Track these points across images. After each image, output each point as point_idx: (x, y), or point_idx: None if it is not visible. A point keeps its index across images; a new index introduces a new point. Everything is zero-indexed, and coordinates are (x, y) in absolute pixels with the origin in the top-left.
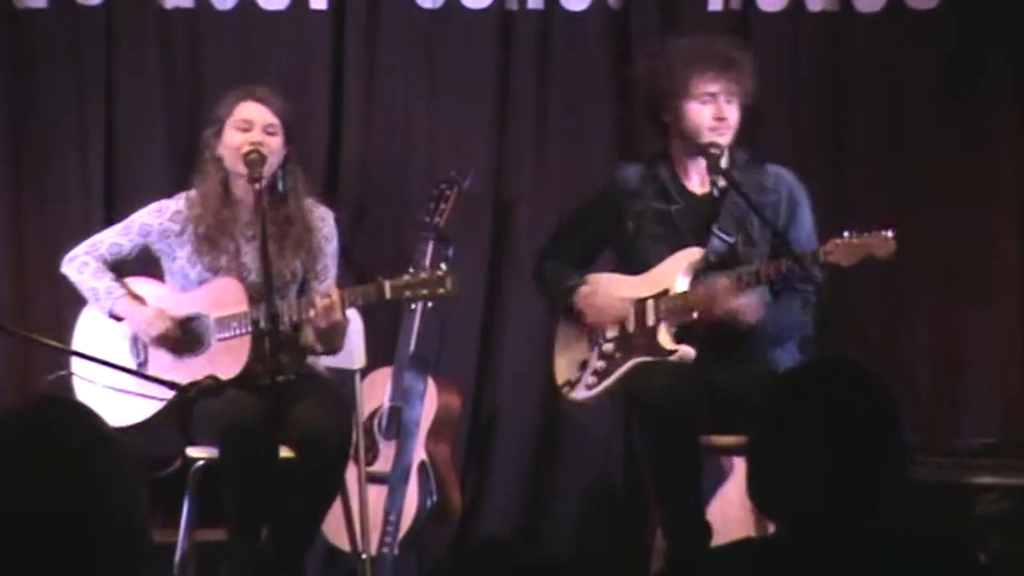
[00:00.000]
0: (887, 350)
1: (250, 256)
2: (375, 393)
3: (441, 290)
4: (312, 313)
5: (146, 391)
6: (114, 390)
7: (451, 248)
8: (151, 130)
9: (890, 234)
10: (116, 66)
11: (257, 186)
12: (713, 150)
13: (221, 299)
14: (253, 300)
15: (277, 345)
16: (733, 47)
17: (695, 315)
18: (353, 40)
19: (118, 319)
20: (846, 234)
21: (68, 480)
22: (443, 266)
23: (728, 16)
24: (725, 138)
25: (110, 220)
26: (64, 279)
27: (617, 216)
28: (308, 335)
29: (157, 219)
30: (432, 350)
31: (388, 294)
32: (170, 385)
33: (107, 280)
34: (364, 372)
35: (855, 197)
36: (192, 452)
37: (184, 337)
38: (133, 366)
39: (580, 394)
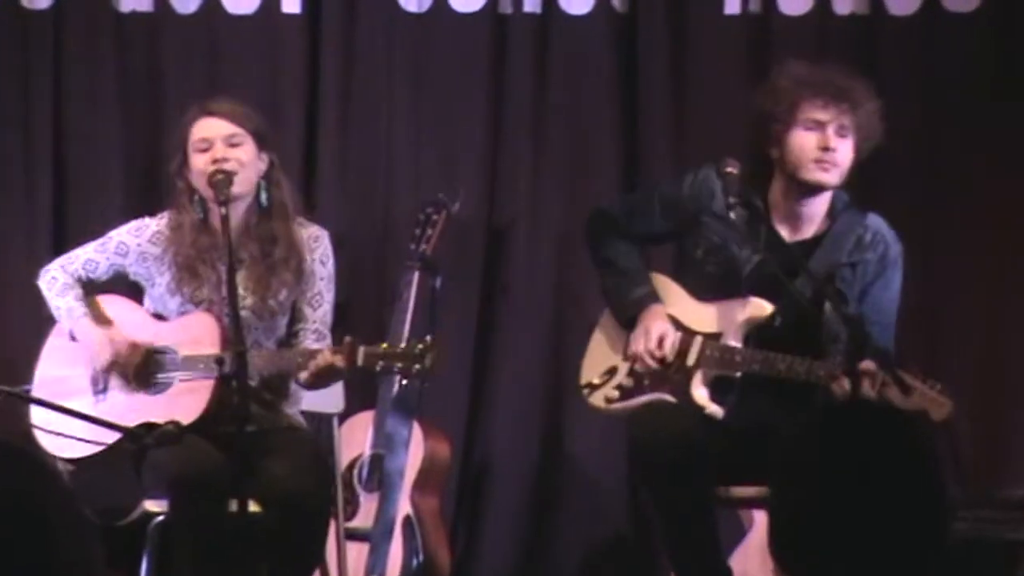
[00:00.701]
0: None
1: (222, 288)
2: (355, 440)
3: (417, 366)
4: (303, 375)
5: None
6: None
7: (439, 279)
8: (105, 151)
9: (948, 402)
10: (66, 78)
11: (223, 210)
12: (730, 169)
13: (194, 336)
14: (229, 341)
15: (245, 388)
16: (850, 76)
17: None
18: (329, 47)
19: (76, 339)
20: (912, 373)
21: (20, 536)
22: (428, 339)
23: (747, 20)
24: (830, 176)
25: (60, 247)
26: (36, 292)
27: (691, 232)
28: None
29: (136, 239)
30: (417, 392)
31: (360, 361)
32: (123, 431)
33: (70, 298)
34: (342, 417)
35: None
36: (151, 506)
37: (147, 369)
38: (91, 396)
39: (597, 403)
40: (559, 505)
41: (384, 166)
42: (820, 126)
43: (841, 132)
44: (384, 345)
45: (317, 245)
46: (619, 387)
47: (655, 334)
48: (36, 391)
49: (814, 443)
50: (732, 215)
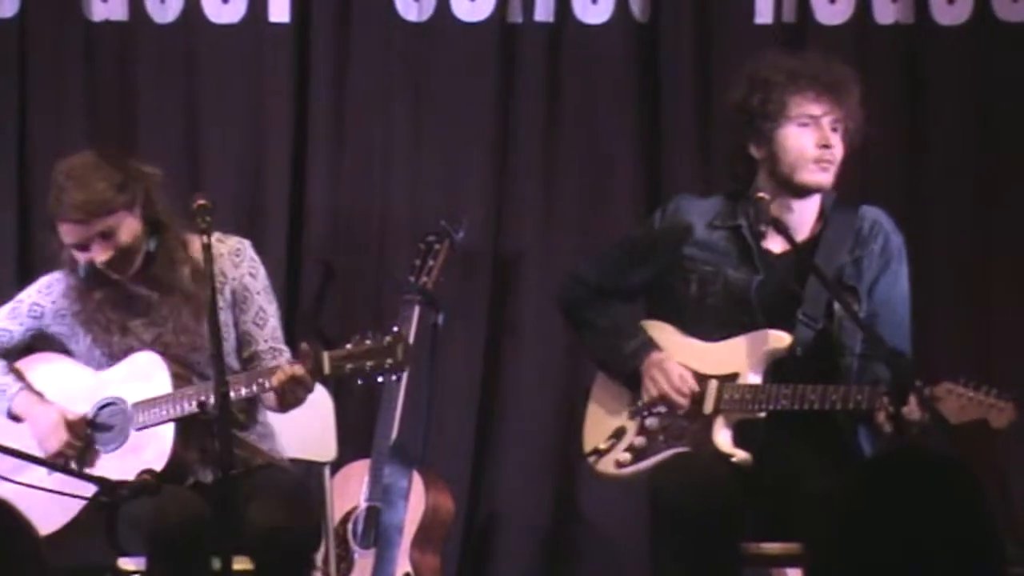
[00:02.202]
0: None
1: (147, 330)
2: (349, 491)
3: (389, 360)
4: (268, 398)
5: (66, 490)
6: (29, 487)
7: (441, 314)
8: None
9: (1010, 405)
10: (31, 90)
11: (206, 239)
12: (762, 194)
13: (141, 378)
14: (180, 377)
15: (228, 431)
16: (835, 64)
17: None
18: (320, 59)
19: (18, 420)
20: (962, 383)
21: None
22: (395, 328)
23: (780, 30)
24: (828, 176)
25: (25, 277)
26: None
27: (676, 268)
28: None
29: (48, 298)
30: (417, 439)
31: (327, 368)
32: (98, 482)
33: None
34: (335, 466)
35: (936, 238)
36: (125, 564)
37: (95, 433)
38: (44, 470)
39: (607, 469)
40: (572, 565)
41: (380, 190)
42: (815, 120)
43: (834, 126)
44: (348, 347)
45: (240, 259)
46: (630, 448)
47: (674, 372)
48: None
49: (855, 503)
50: (761, 241)
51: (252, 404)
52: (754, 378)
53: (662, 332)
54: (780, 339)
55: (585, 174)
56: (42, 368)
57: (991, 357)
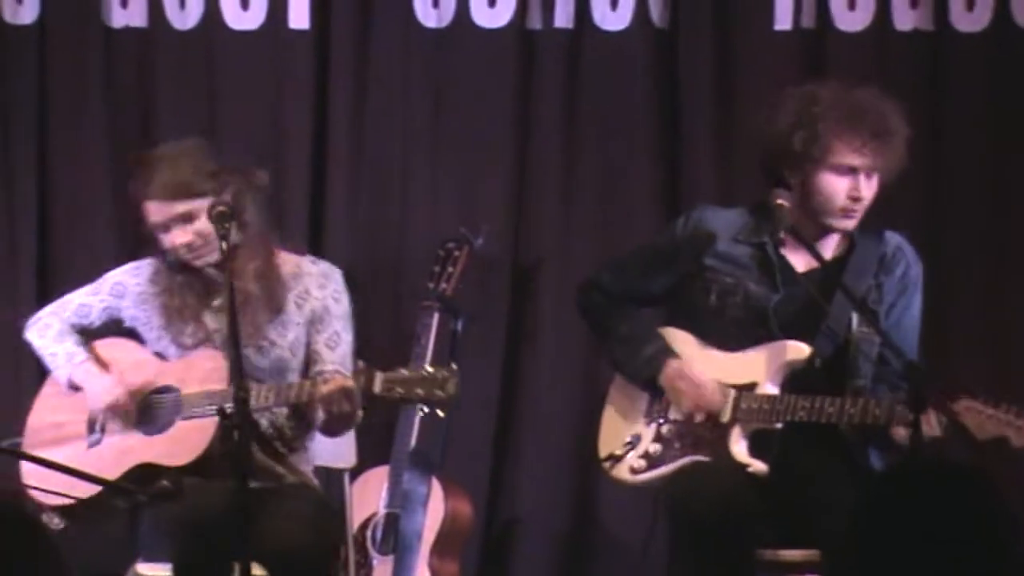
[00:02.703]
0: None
1: (216, 319)
2: (368, 498)
3: (439, 393)
4: (318, 414)
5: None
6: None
7: (460, 321)
8: (93, 177)
9: None
10: (51, 98)
11: (225, 245)
12: (781, 201)
13: (199, 374)
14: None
15: (247, 438)
16: (890, 110)
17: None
18: (340, 66)
19: (77, 388)
20: (982, 400)
21: None
22: (453, 366)
23: (799, 36)
24: (853, 223)
25: (44, 290)
26: (15, 332)
27: (697, 276)
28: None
29: (134, 278)
30: (437, 446)
31: (378, 387)
32: (120, 489)
33: (70, 343)
34: (355, 472)
35: (955, 251)
36: (143, 570)
37: (146, 411)
38: (86, 441)
39: (622, 475)
40: (590, 570)
41: (400, 197)
42: (852, 172)
43: (870, 174)
44: (402, 371)
45: (327, 282)
46: (645, 455)
47: (707, 384)
48: (28, 439)
49: (875, 508)
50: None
51: (302, 425)
52: (772, 388)
53: (680, 340)
54: (799, 350)
55: (604, 181)
56: (110, 352)
57: (1010, 374)
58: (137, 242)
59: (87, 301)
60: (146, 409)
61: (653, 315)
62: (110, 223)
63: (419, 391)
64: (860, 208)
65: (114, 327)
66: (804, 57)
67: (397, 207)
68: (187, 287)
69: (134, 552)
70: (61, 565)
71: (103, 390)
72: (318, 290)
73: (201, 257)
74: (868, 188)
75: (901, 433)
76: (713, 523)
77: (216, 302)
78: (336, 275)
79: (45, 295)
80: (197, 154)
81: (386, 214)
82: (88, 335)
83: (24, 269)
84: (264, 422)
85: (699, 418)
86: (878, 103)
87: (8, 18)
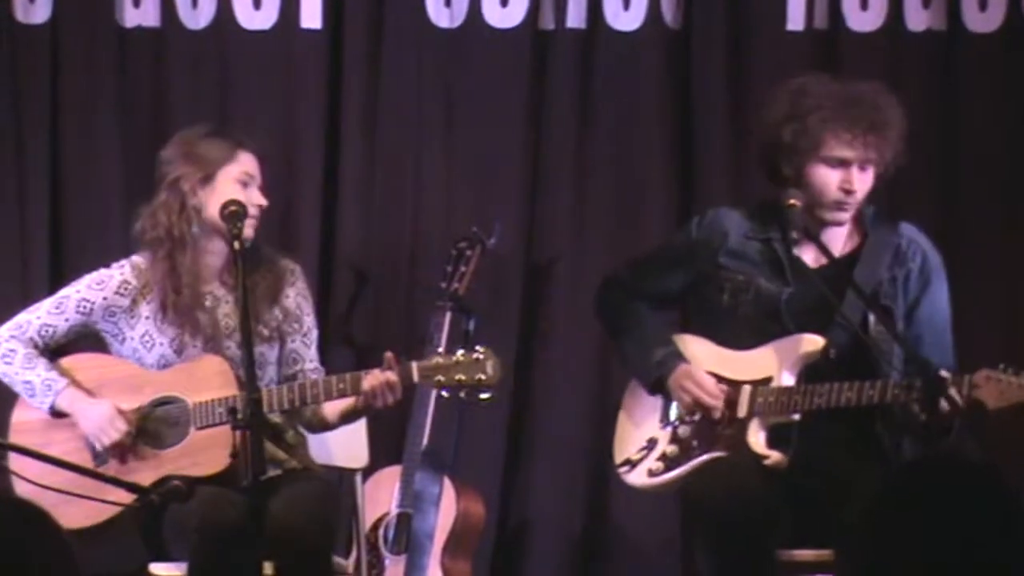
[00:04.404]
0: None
1: (232, 325)
2: (380, 498)
3: (480, 375)
4: (359, 393)
5: (102, 493)
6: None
7: (472, 320)
8: (104, 178)
9: None
10: (63, 98)
11: (236, 244)
12: (793, 201)
13: (203, 380)
14: (242, 382)
15: (259, 437)
16: (884, 102)
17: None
18: (352, 66)
19: (61, 415)
20: (1002, 368)
21: None
22: (480, 348)
23: (812, 37)
24: (846, 215)
25: (56, 285)
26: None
27: (711, 275)
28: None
29: (100, 294)
30: (449, 446)
31: (416, 377)
32: (130, 487)
33: (41, 369)
34: (367, 472)
35: (968, 244)
36: (157, 569)
37: (150, 424)
38: (92, 462)
39: (639, 479)
40: (603, 571)
41: (412, 196)
42: (844, 164)
43: (864, 166)
44: (437, 358)
45: (295, 279)
46: (663, 457)
47: (706, 380)
48: (13, 462)
49: (887, 505)
50: (794, 249)
51: (291, 410)
52: (788, 381)
53: (696, 344)
54: (814, 342)
55: (617, 181)
56: (86, 372)
57: None
58: None
59: (50, 322)
60: (150, 423)
61: (668, 320)
62: (122, 222)
63: (460, 376)
64: (853, 201)
65: (82, 343)
66: (816, 57)
67: (409, 207)
68: (190, 284)
69: (147, 552)
70: (72, 563)
71: (101, 426)
72: (288, 287)
73: (253, 228)
74: (861, 181)
75: (917, 409)
76: (734, 518)
77: (219, 291)
78: (299, 271)
79: (57, 291)
80: None
81: (398, 214)
82: (54, 353)
83: (36, 267)
84: (277, 416)
85: (696, 416)
86: (871, 96)
87: (21, 18)
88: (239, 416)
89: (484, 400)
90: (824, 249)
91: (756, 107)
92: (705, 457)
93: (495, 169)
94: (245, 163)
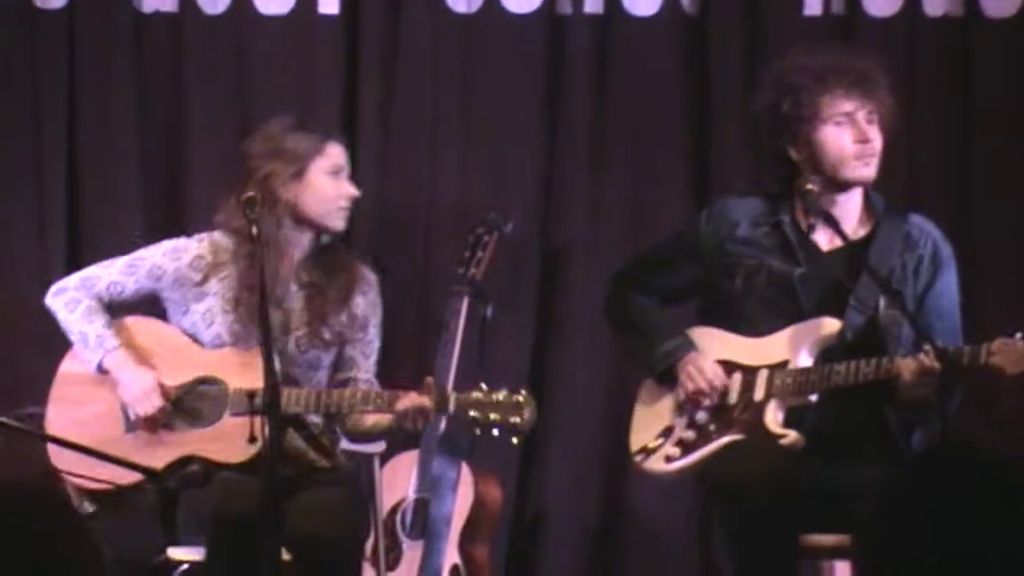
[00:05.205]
0: None
1: (297, 323)
2: (397, 483)
3: (516, 419)
4: (390, 411)
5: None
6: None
7: (490, 307)
8: (122, 162)
9: None
10: (80, 83)
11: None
12: (810, 186)
13: (249, 368)
14: (289, 377)
15: (277, 426)
16: (861, 56)
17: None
18: (369, 51)
19: (104, 373)
20: (1019, 335)
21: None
22: (523, 392)
23: (829, 22)
24: (871, 170)
25: (73, 271)
26: (47, 313)
27: (721, 265)
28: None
29: (173, 263)
30: (466, 432)
31: (451, 407)
32: (146, 472)
33: (100, 324)
34: (384, 457)
35: (983, 232)
36: (175, 554)
37: (189, 400)
38: (122, 428)
39: (656, 466)
40: (620, 557)
41: (428, 182)
42: (849, 117)
43: (870, 118)
44: (477, 393)
45: (369, 288)
46: (680, 443)
47: (708, 369)
48: (52, 414)
49: (903, 492)
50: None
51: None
52: (805, 364)
53: (709, 335)
54: (831, 325)
55: (634, 166)
56: (143, 336)
57: None
58: (165, 224)
59: (120, 280)
60: (189, 399)
61: (678, 316)
62: (139, 206)
63: (494, 416)
64: (872, 152)
65: (145, 305)
66: (834, 41)
67: (426, 192)
68: (272, 275)
69: (166, 536)
70: (93, 549)
71: (138, 397)
72: (360, 295)
73: (343, 219)
74: (873, 132)
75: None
76: (760, 499)
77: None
78: (375, 280)
79: (74, 266)
80: None
81: (415, 199)
82: (117, 312)
83: (54, 252)
84: (316, 418)
85: (706, 402)
86: (845, 52)
87: (39, 3)
88: (257, 403)
89: (513, 443)
90: (839, 231)
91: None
92: (723, 441)
93: (512, 156)
94: (334, 154)
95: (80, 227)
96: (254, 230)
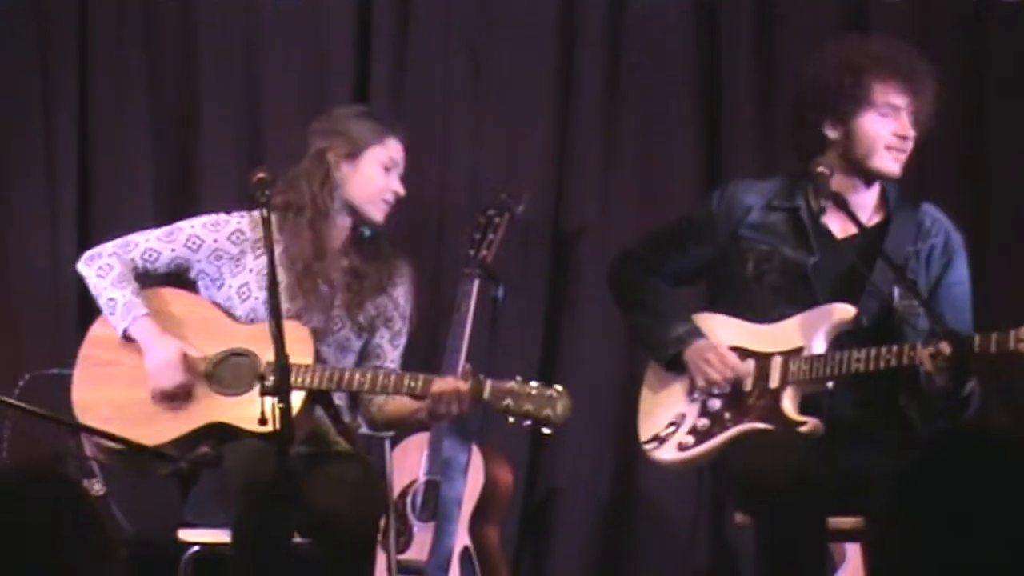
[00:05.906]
0: None
1: (339, 308)
2: (408, 465)
3: (549, 412)
4: (424, 394)
5: (152, 424)
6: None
7: (500, 288)
8: (134, 145)
9: None
10: (91, 68)
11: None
12: (821, 169)
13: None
14: (319, 355)
15: (287, 405)
16: (925, 61)
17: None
18: (381, 31)
19: (130, 340)
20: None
21: (46, 560)
22: (558, 387)
23: (841, 4)
24: (898, 166)
25: (85, 246)
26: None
27: (733, 250)
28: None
29: (212, 235)
30: (477, 413)
31: (487, 395)
32: (160, 455)
33: (129, 292)
34: (395, 440)
35: (997, 215)
36: (186, 535)
37: (222, 368)
38: (148, 390)
39: (668, 454)
40: (631, 539)
41: (440, 163)
42: (895, 111)
43: (913, 118)
44: (512, 383)
45: (405, 281)
46: (693, 431)
47: (729, 357)
48: (80, 372)
49: (916, 476)
50: (822, 219)
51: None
52: (819, 350)
53: (718, 321)
54: (845, 311)
55: (645, 148)
56: (174, 306)
57: None
58: (175, 203)
59: (157, 247)
60: (221, 369)
61: (685, 298)
62: (150, 192)
63: (529, 407)
64: (906, 150)
65: (175, 277)
66: (846, 23)
67: (438, 174)
68: (314, 258)
69: (181, 516)
70: (104, 530)
71: (163, 363)
72: (396, 287)
73: (384, 214)
74: (912, 129)
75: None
76: (788, 491)
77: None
78: (411, 274)
79: (86, 249)
80: None
81: (426, 180)
82: (148, 279)
83: (66, 239)
84: (340, 399)
85: (726, 389)
86: (909, 51)
87: None
88: (267, 383)
89: (544, 436)
90: (854, 218)
91: (792, 71)
92: (740, 429)
93: (523, 136)
94: (392, 148)
95: (92, 210)
96: (263, 212)
